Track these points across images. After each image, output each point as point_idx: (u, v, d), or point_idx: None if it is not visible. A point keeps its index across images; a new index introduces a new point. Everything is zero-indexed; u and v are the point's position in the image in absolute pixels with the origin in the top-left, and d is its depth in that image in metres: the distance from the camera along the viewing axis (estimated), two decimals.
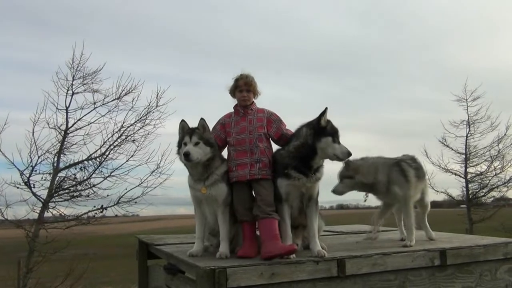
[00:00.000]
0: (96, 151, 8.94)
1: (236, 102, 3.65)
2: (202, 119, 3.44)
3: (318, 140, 3.32)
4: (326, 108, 3.37)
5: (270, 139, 3.60)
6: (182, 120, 3.47)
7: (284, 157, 3.40)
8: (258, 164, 3.42)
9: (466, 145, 14.61)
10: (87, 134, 8.95)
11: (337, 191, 3.92)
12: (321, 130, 3.35)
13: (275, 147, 3.63)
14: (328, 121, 3.39)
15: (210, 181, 3.36)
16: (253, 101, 3.65)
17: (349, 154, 3.39)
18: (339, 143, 3.38)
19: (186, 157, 3.25)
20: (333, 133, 3.37)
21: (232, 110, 3.68)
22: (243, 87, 3.57)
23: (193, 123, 3.47)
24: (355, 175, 3.80)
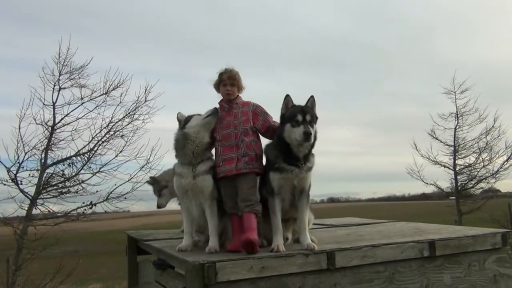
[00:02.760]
0: (84, 147, 8.79)
1: (221, 97, 3.64)
2: None
3: (282, 130, 3.31)
4: (287, 95, 3.35)
5: (257, 132, 3.58)
6: (179, 113, 3.61)
7: (272, 150, 3.40)
8: (245, 158, 3.40)
9: (454, 137, 14.68)
10: (75, 129, 8.76)
11: (162, 204, 4.41)
12: (282, 119, 3.36)
13: (264, 141, 3.61)
14: (291, 107, 3.32)
15: (198, 170, 3.37)
16: (238, 96, 3.64)
17: (306, 133, 3.13)
18: (299, 125, 3.19)
19: None
20: (291, 117, 3.25)
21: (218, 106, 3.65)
22: (227, 81, 3.57)
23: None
24: (168, 183, 4.21)
